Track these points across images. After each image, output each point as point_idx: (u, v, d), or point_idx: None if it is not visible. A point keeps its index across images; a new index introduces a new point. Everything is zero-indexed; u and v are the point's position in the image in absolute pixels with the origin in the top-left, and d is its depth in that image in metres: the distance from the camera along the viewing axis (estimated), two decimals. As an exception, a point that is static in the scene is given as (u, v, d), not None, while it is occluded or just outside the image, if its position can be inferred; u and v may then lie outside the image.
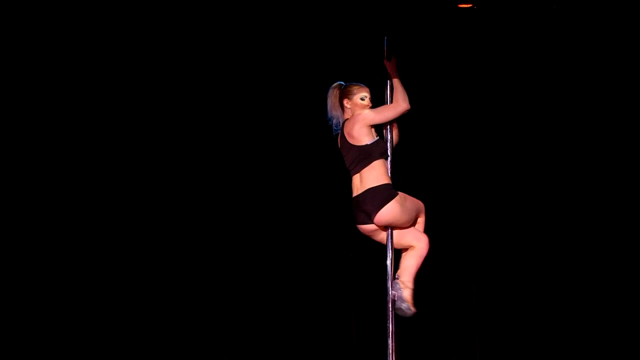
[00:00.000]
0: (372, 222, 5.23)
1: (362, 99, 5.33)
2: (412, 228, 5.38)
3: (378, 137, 5.32)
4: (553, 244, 8.33)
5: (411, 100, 5.26)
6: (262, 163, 8.41)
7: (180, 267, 8.36)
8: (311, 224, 8.43)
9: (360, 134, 5.24)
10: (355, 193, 5.27)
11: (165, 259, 8.34)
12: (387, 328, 5.31)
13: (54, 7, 7.74)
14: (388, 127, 5.38)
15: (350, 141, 5.26)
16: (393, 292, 5.25)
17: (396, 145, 5.45)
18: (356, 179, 5.27)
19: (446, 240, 8.36)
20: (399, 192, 5.26)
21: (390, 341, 5.28)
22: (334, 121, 5.40)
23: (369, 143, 5.24)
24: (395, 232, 5.31)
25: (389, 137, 5.39)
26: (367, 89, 5.39)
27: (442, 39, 8.09)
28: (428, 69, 8.17)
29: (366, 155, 5.23)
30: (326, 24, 7.94)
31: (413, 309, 5.25)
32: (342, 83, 5.42)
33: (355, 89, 5.36)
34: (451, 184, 8.47)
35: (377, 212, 5.17)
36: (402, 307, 5.24)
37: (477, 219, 8.47)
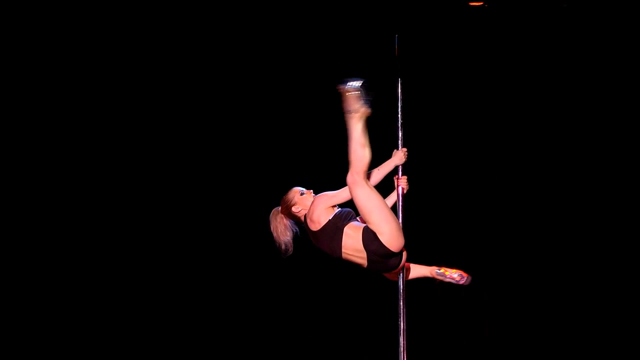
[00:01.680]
0: (399, 254, 5.10)
1: (302, 194, 5.24)
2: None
3: (337, 209, 5.17)
4: (563, 241, 8.30)
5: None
6: (265, 168, 8.37)
7: (182, 279, 8.35)
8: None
9: (320, 216, 5.09)
10: (364, 261, 5.07)
11: (169, 286, 8.34)
12: (398, 326, 5.31)
13: (53, 7, 7.72)
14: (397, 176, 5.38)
15: (314, 228, 5.12)
16: None
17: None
18: (348, 254, 5.08)
19: (456, 239, 8.35)
20: (363, 225, 5.06)
21: (401, 339, 5.29)
22: (292, 238, 5.31)
23: (330, 218, 5.09)
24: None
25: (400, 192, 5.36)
26: (297, 187, 5.30)
27: (453, 37, 8.07)
28: (438, 68, 8.15)
29: (334, 229, 5.07)
30: (338, 22, 7.93)
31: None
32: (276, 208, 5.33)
33: (290, 196, 5.26)
34: (462, 183, 8.45)
35: (384, 247, 4.98)
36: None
37: (488, 217, 8.45)
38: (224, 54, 8.16)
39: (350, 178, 4.90)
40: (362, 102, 4.86)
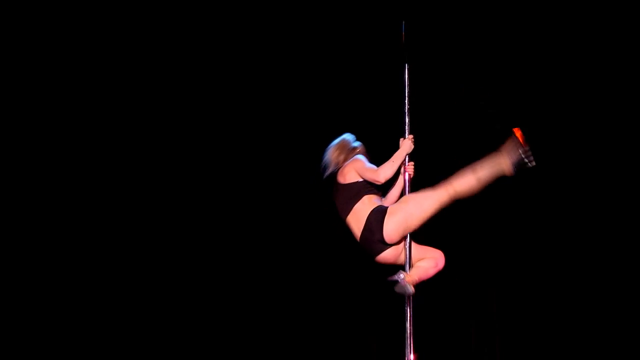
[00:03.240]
0: (387, 244, 5.20)
1: (352, 148, 5.44)
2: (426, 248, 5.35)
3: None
4: (572, 245, 8.24)
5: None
6: (275, 173, 8.36)
7: (196, 282, 8.37)
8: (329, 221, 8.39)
9: (348, 174, 5.30)
10: (359, 232, 5.24)
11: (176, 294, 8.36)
12: (405, 312, 5.32)
13: (54, 7, 7.71)
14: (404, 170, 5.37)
15: (341, 180, 5.31)
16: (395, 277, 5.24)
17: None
18: (351, 219, 5.27)
19: (462, 225, 8.33)
20: (379, 203, 5.24)
21: (408, 324, 5.30)
22: (330, 169, 5.43)
23: (359, 181, 5.28)
24: (413, 249, 5.28)
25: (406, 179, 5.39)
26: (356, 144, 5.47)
27: (460, 23, 8.01)
28: (446, 54, 8.09)
29: (355, 192, 5.25)
30: (345, 8, 7.90)
31: (412, 289, 5.18)
32: (348, 140, 5.46)
33: (351, 146, 5.45)
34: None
35: (382, 230, 5.14)
36: (400, 286, 5.18)
37: (494, 205, 8.42)
38: (231, 49, 8.15)
39: (443, 188, 5.08)
40: (519, 159, 5.09)
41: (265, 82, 8.23)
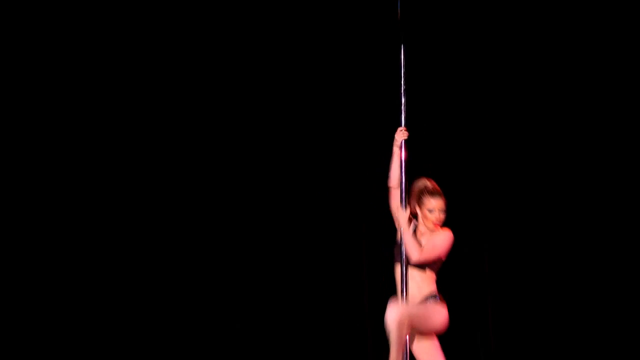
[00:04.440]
0: None
1: (429, 211, 4.99)
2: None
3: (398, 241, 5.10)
4: (569, 240, 8.20)
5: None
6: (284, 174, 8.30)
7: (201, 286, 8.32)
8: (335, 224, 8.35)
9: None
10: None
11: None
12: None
13: (54, 7, 7.64)
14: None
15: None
16: None
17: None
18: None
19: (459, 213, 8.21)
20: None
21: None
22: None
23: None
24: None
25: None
26: (440, 201, 5.06)
27: (457, 6, 7.92)
28: (443, 33, 8.00)
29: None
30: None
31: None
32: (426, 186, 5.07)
33: (426, 199, 5.03)
34: (466, 154, 8.33)
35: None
36: None
37: (492, 189, 8.34)
38: (216, 55, 8.09)
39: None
40: None
41: (253, 67, 8.19)
